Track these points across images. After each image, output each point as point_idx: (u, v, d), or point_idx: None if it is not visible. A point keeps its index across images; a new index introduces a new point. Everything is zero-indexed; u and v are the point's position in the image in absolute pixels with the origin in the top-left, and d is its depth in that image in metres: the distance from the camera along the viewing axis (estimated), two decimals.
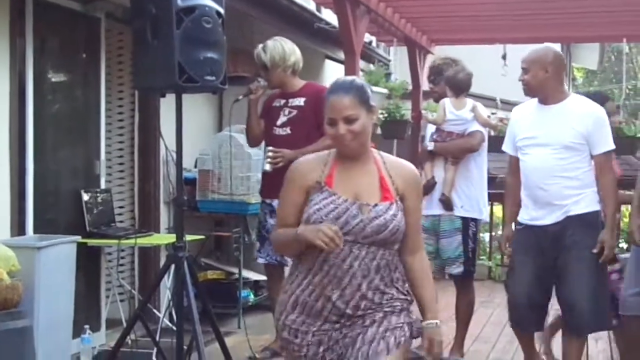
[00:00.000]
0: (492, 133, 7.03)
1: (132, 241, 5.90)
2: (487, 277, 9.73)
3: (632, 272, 5.03)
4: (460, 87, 5.83)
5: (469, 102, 5.83)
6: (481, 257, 10.23)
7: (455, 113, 5.78)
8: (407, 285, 3.04)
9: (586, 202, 4.64)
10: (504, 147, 4.99)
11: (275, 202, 5.42)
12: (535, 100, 4.79)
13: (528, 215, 4.75)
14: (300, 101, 5.55)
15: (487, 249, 10.48)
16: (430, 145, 5.87)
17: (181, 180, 4.86)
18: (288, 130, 5.52)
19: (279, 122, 5.57)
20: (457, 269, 5.73)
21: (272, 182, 5.38)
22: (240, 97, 5.64)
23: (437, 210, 5.75)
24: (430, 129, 6.01)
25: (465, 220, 5.73)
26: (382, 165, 3.02)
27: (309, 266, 2.95)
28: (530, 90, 4.76)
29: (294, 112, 5.54)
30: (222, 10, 4.62)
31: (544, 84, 4.67)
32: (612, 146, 4.68)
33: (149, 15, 4.45)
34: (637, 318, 5.06)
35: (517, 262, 4.83)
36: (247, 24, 7.55)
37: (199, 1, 4.47)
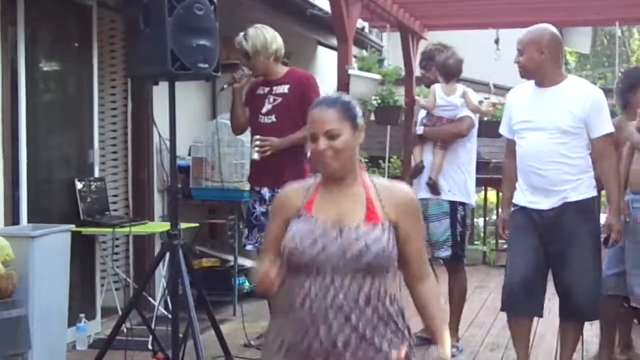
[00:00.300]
0: (485, 118, 7.05)
1: (126, 229, 5.90)
2: (481, 262, 9.75)
3: (612, 253, 5.08)
4: (451, 72, 5.85)
5: (460, 87, 5.86)
6: (475, 242, 10.28)
7: (446, 99, 5.81)
8: (407, 321, 2.72)
9: (583, 188, 4.56)
10: (501, 130, 4.90)
11: (264, 190, 5.48)
12: (532, 82, 4.67)
13: (524, 198, 4.66)
14: (284, 88, 5.51)
15: (482, 234, 10.50)
16: (420, 130, 5.91)
17: (175, 168, 4.86)
18: (273, 118, 5.49)
19: (264, 110, 5.52)
20: (445, 252, 5.78)
21: (260, 170, 5.42)
22: (225, 86, 5.61)
23: (425, 194, 5.77)
24: (422, 114, 6.03)
25: (453, 204, 5.77)
26: (371, 188, 2.73)
27: (291, 301, 2.66)
28: (525, 72, 4.63)
29: (279, 99, 5.50)
30: None
31: (539, 66, 4.54)
32: (612, 129, 4.58)
33: (140, 3, 4.45)
34: (616, 297, 5.12)
35: (514, 243, 4.75)
36: (239, 11, 7.52)
37: None
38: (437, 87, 5.85)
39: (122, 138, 6.79)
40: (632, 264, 4.89)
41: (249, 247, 5.73)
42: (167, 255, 4.77)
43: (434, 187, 5.74)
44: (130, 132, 6.76)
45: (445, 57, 5.90)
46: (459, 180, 5.80)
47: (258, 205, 5.53)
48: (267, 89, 5.55)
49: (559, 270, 4.63)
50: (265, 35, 5.48)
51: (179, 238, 4.63)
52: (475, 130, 5.92)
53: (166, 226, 4.94)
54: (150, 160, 6.81)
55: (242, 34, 5.54)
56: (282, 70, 5.59)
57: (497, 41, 7.83)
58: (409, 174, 5.86)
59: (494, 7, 8.76)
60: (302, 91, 5.39)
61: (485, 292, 7.85)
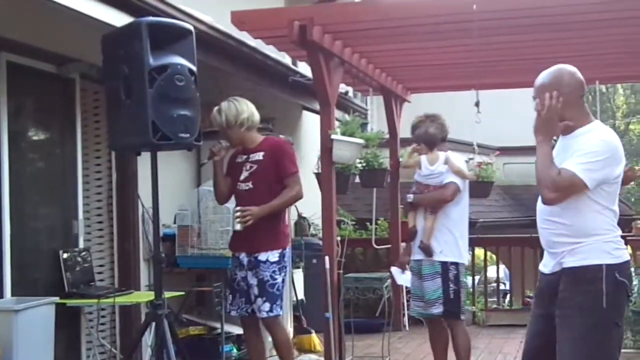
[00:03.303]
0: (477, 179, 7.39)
1: (110, 300, 5.87)
2: (471, 322, 9.70)
3: None
4: (432, 141, 6.15)
5: (442, 155, 6.13)
6: (465, 302, 10.22)
7: (430, 168, 6.12)
8: None
9: (586, 253, 3.74)
10: None
11: (241, 256, 5.61)
12: None
13: (542, 261, 4.04)
14: (259, 155, 5.67)
15: (471, 294, 10.47)
16: (409, 198, 6.24)
17: (158, 238, 4.87)
18: (250, 184, 5.64)
19: (241, 178, 5.68)
20: (437, 309, 6.02)
21: (238, 236, 5.60)
22: (205, 161, 5.86)
23: (419, 255, 6.11)
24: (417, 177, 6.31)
25: (445, 264, 6.03)
26: None
27: None
28: None
29: (254, 166, 5.66)
30: (194, 68, 4.67)
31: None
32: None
33: (121, 75, 4.50)
34: None
35: (531, 312, 4.18)
36: (223, 79, 7.61)
37: (171, 60, 4.53)
38: (423, 158, 6.18)
39: (107, 208, 6.80)
40: None
41: (233, 314, 5.79)
42: (153, 324, 4.74)
43: (426, 250, 6.06)
44: (115, 202, 6.78)
45: (425, 127, 6.19)
46: (450, 240, 6.07)
47: (238, 271, 5.64)
48: (244, 157, 5.73)
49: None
50: (236, 107, 5.66)
51: (163, 308, 4.62)
52: (466, 191, 6.18)
53: (151, 295, 4.93)
54: (136, 229, 6.82)
55: (216, 108, 5.73)
56: (258, 138, 5.77)
57: (477, 104, 7.87)
58: (406, 238, 6.20)
59: (471, 70, 8.84)
60: (276, 157, 5.60)
61: (476, 353, 7.80)
